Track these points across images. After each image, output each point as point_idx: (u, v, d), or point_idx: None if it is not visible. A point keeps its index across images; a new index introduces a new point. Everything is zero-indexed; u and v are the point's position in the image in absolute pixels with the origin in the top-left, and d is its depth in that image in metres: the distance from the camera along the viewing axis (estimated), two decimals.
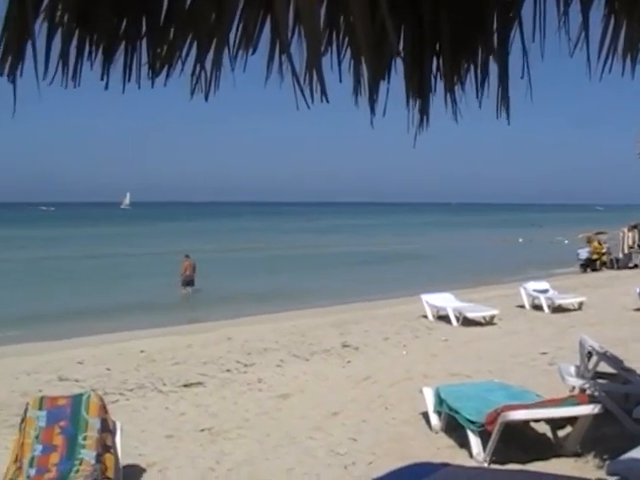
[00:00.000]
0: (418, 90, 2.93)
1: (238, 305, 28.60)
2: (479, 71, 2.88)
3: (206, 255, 47.01)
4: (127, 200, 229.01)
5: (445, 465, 4.58)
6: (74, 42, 2.46)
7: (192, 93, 2.62)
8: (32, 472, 7.46)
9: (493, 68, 2.85)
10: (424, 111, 2.97)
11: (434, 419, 10.24)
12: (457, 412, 9.51)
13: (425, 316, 21.31)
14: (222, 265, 46.13)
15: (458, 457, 9.01)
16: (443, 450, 9.43)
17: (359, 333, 19.21)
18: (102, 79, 2.54)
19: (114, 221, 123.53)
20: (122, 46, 2.52)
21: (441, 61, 2.89)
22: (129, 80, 2.55)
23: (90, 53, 2.51)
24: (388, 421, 10.96)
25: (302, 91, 2.46)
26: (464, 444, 9.33)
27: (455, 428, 9.70)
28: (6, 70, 2.35)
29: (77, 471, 7.38)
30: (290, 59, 2.42)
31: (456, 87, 2.92)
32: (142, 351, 17.22)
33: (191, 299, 33.60)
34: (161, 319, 25.52)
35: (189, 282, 34.07)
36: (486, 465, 8.61)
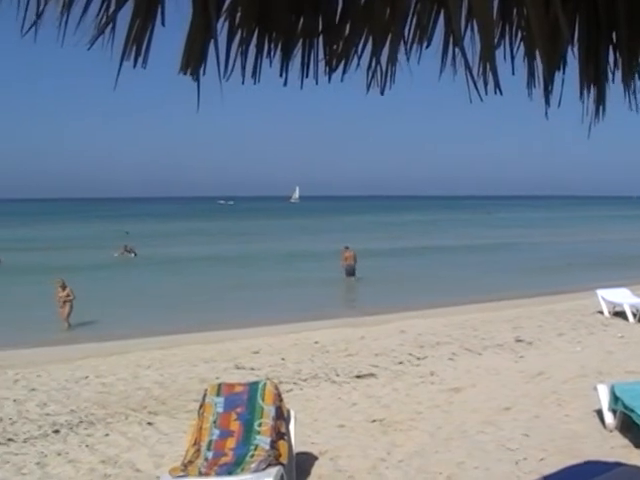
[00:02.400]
0: (594, 80, 2.90)
1: (409, 297, 28.76)
2: None
3: (377, 247, 47.45)
4: (296, 194, 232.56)
5: (619, 465, 4.49)
6: (253, 40, 2.55)
7: (368, 88, 2.67)
8: (209, 455, 7.74)
9: None
10: (600, 101, 2.93)
11: (608, 417, 9.97)
12: (633, 411, 9.25)
13: (601, 312, 20.72)
14: (393, 257, 46.40)
15: (633, 457, 8.74)
16: (617, 449, 9.18)
17: (532, 328, 18.90)
18: (281, 75, 2.62)
19: (287, 214, 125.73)
20: (299, 43, 2.59)
21: (617, 50, 2.84)
22: (307, 76, 2.62)
23: (269, 51, 2.60)
24: (561, 418, 10.75)
25: (475, 84, 2.48)
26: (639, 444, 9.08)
27: (630, 427, 9.43)
28: (190, 69, 2.46)
29: (252, 456, 7.60)
30: (463, 52, 2.44)
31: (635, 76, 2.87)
32: (316, 342, 17.52)
33: (357, 290, 34.39)
34: (328, 309, 26.08)
35: (351, 272, 35.27)
36: None
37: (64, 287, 24.93)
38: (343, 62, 2.63)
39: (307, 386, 13.25)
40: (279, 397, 8.41)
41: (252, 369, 14.72)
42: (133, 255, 49.62)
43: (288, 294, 31.33)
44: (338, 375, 14.01)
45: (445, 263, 43.90)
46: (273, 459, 7.50)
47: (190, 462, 7.65)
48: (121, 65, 2.42)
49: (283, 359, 15.65)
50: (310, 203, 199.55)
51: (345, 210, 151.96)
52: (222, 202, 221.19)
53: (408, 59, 2.69)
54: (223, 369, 14.80)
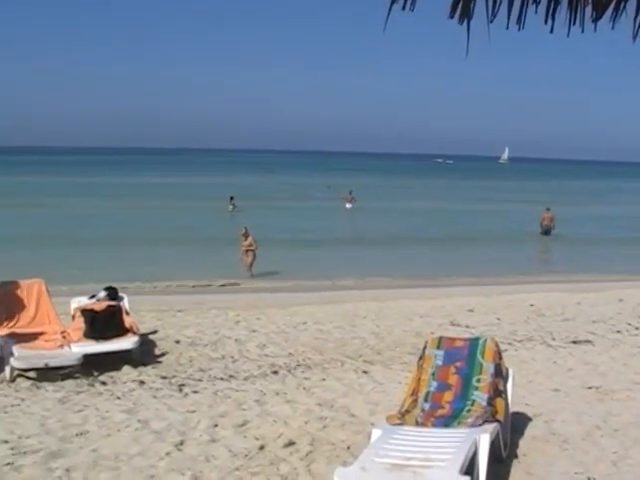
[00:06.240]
0: None
1: (617, 263, 28.61)
2: None
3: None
4: (505, 155, 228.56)
5: None
6: None
7: (634, 37, 2.58)
8: (426, 406, 7.84)
9: None
10: None
11: None
12: None
13: None
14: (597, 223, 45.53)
15: None
16: None
17: None
18: (546, 23, 2.57)
19: (497, 175, 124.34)
20: None
21: None
22: (574, 23, 2.56)
23: None
24: None
25: None
26: None
27: None
28: (457, 14, 2.47)
29: (469, 411, 7.64)
30: None
31: None
32: (531, 305, 17.35)
33: (554, 251, 36.06)
34: (531, 270, 27.42)
35: (547, 231, 37.46)
36: None
37: (247, 236, 25.45)
38: (612, 9, 2.55)
39: (522, 347, 13.15)
40: (499, 355, 8.38)
41: (467, 326, 14.76)
42: (350, 207, 50.69)
43: (489, 252, 32.31)
44: (554, 339, 13.82)
45: None
46: (490, 416, 7.52)
47: (407, 411, 7.78)
48: (391, 7, 2.45)
49: (498, 319, 15.60)
50: (519, 164, 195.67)
51: (554, 173, 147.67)
52: (440, 160, 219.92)
53: None
54: (438, 325, 14.91)
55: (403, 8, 2.45)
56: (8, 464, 7.64)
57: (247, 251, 25.32)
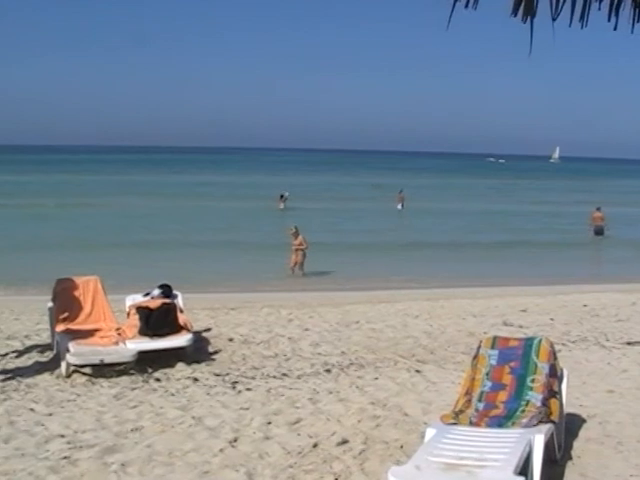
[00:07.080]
0: None
1: None
2: None
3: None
4: (556, 154, 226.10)
5: None
6: None
7: None
8: (480, 406, 7.81)
9: None
10: None
11: None
12: None
13: None
14: None
15: None
16: None
17: None
18: (609, 20, 2.54)
19: (549, 174, 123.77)
20: None
21: None
22: (638, 20, 2.53)
23: None
24: None
25: None
26: None
27: None
28: (520, 12, 2.45)
29: (523, 411, 7.61)
30: None
31: None
32: (585, 305, 17.21)
33: (608, 251, 35.98)
34: (584, 270, 27.91)
35: (598, 231, 37.61)
36: None
37: (297, 235, 25.52)
38: None
39: (576, 348, 13.03)
40: (554, 355, 8.32)
41: (520, 327, 14.67)
42: (400, 207, 50.73)
43: (542, 253, 32.52)
44: (608, 340, 13.69)
45: None
46: (544, 416, 7.47)
47: (461, 411, 7.76)
48: (454, 5, 2.45)
49: (552, 319, 15.50)
50: (570, 164, 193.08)
51: (607, 173, 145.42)
52: (492, 160, 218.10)
53: None
54: (491, 324, 14.85)
55: (466, 6, 2.45)
56: (65, 458, 7.77)
57: (297, 250, 25.42)
